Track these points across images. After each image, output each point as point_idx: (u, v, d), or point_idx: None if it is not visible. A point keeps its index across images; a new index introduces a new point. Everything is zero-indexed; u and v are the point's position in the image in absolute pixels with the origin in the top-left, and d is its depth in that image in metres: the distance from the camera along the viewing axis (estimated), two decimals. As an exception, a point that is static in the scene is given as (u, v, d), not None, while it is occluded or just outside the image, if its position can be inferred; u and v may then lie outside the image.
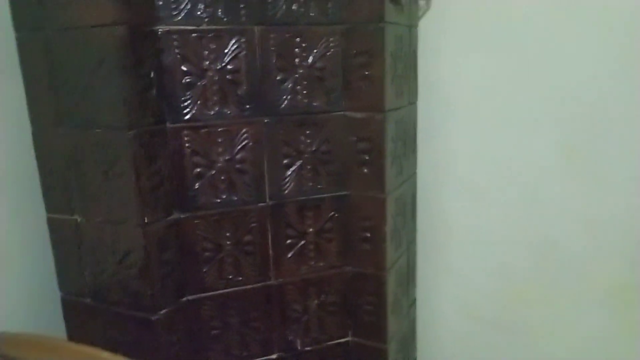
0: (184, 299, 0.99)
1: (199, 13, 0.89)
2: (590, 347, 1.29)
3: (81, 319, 1.01)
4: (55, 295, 1.03)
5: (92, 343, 0.90)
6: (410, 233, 1.27)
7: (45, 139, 0.95)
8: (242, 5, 0.91)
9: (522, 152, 1.27)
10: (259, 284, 1.04)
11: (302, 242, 1.06)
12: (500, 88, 1.26)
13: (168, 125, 0.92)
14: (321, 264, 1.08)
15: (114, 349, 0.88)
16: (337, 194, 1.05)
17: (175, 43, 0.89)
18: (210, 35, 0.90)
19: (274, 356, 1.09)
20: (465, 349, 1.45)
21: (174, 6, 0.87)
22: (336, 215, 1.06)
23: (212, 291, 1.01)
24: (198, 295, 1.00)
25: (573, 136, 1.22)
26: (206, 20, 0.89)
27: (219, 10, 0.90)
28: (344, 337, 1.14)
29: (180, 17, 0.88)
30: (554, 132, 1.23)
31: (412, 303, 1.33)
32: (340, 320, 1.12)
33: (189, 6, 0.88)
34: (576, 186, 1.23)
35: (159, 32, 0.88)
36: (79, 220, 0.96)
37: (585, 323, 1.29)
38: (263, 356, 1.08)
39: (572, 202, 1.24)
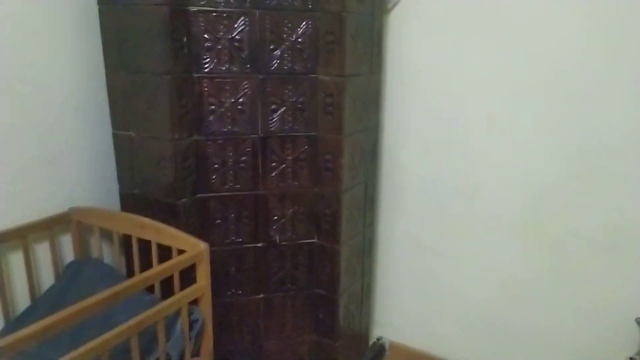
0: (198, 195, 1.45)
1: (217, 0, 1.31)
2: (501, 267, 1.69)
3: (131, 204, 1.49)
4: (112, 186, 1.52)
5: (136, 216, 1.39)
6: (369, 171, 1.67)
7: (113, 79, 1.42)
8: (247, -4, 1.33)
9: (458, 117, 1.65)
10: (250, 192, 1.49)
11: (283, 166, 1.49)
12: (446, 66, 1.64)
13: (193, 74, 1.36)
14: (295, 183, 1.52)
15: (150, 221, 1.37)
16: (309, 133, 1.48)
17: (200, 19, 1.32)
18: (224, 15, 1.33)
19: (259, 244, 1.54)
20: (411, 268, 1.88)
21: (201, -6, 1.30)
22: (308, 148, 1.49)
23: (217, 193, 1.46)
24: (207, 195, 1.46)
25: (495, 106, 1.58)
26: (222, 4, 1.32)
27: (231, -1, 1.32)
28: (311, 239, 1.58)
29: (204, 2, 1.31)
30: (481, 104, 1.60)
31: (370, 224, 1.74)
32: (308, 226, 1.57)
33: (216, 8, 1.31)
34: (493, 145, 1.61)
35: (190, 11, 1.31)
36: (132, 135, 1.43)
37: (497, 249, 1.68)
38: (251, 244, 1.54)
39: (491, 155, 1.62)
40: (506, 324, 1.72)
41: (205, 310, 1.28)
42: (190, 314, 1.26)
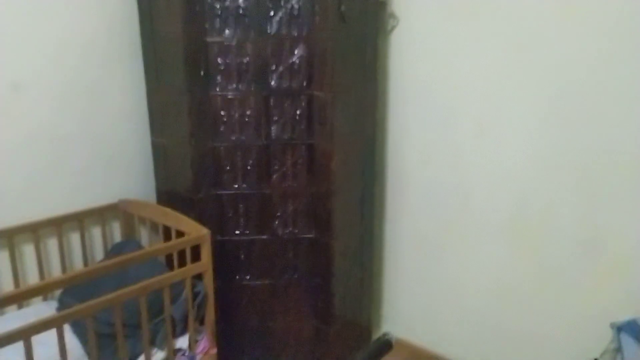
0: (213, 192, 1.75)
1: (227, 32, 1.61)
2: (492, 268, 1.78)
3: (164, 197, 1.83)
4: (152, 183, 1.87)
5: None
6: (367, 175, 1.86)
7: (151, 96, 1.78)
8: (252, 28, 1.61)
9: (453, 126, 1.80)
10: (256, 191, 1.76)
11: (284, 169, 1.74)
12: (441, 81, 1.79)
13: (210, 92, 1.67)
14: (295, 184, 1.76)
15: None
16: (306, 142, 1.72)
17: (215, 48, 1.62)
18: (233, 44, 1.62)
19: (264, 237, 1.80)
20: (415, 267, 2.02)
21: (216, 26, 1.61)
22: (305, 154, 1.73)
23: (229, 190, 1.75)
24: (220, 192, 1.75)
25: (482, 120, 1.70)
26: (232, 35, 1.61)
27: (238, 30, 1.61)
28: (309, 234, 1.80)
29: (217, 34, 1.61)
30: (471, 114, 1.73)
31: (368, 222, 1.92)
32: (306, 222, 1.79)
33: (225, 30, 1.61)
34: (483, 152, 1.73)
35: (208, 41, 1.62)
36: (164, 141, 1.77)
37: (489, 251, 1.78)
38: (257, 235, 1.80)
39: (480, 162, 1.74)
40: (497, 323, 1.80)
41: (208, 285, 1.56)
42: (194, 286, 1.54)
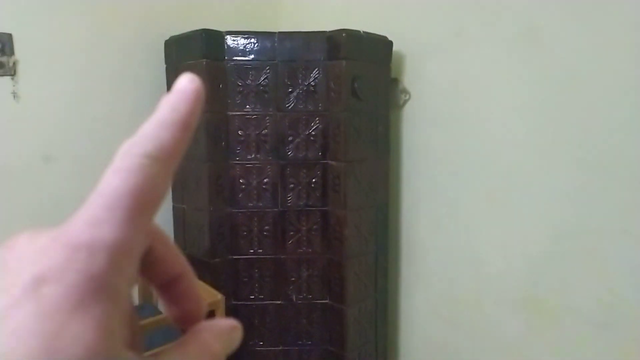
0: (229, 257, 1.79)
1: (248, 106, 1.73)
2: (508, 342, 1.75)
3: (181, 261, 1.88)
4: (171, 247, 1.93)
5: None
6: (380, 242, 1.90)
7: (175, 165, 1.87)
8: (271, 103, 1.72)
9: (463, 195, 1.84)
10: (271, 256, 1.80)
11: (299, 235, 1.79)
12: (452, 151, 1.85)
13: (229, 161, 1.76)
14: (310, 250, 1.80)
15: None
16: (321, 208, 1.77)
17: (236, 120, 1.73)
18: (254, 117, 1.73)
19: (278, 302, 1.82)
20: (430, 338, 1.99)
21: (238, 101, 1.72)
22: (320, 220, 1.78)
23: (245, 255, 1.80)
24: (236, 256, 1.80)
25: (495, 188, 1.75)
26: (252, 109, 1.73)
27: (259, 105, 1.72)
28: (323, 299, 1.82)
29: (238, 108, 1.72)
30: (481, 183, 1.78)
31: (383, 290, 1.93)
32: (321, 287, 1.81)
33: (246, 105, 1.72)
34: (495, 229, 1.75)
35: (229, 115, 1.73)
36: (184, 207, 1.84)
37: (504, 324, 1.75)
38: (271, 300, 1.82)
39: (492, 238, 1.76)
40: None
41: (221, 351, 1.57)
42: (207, 352, 1.56)
